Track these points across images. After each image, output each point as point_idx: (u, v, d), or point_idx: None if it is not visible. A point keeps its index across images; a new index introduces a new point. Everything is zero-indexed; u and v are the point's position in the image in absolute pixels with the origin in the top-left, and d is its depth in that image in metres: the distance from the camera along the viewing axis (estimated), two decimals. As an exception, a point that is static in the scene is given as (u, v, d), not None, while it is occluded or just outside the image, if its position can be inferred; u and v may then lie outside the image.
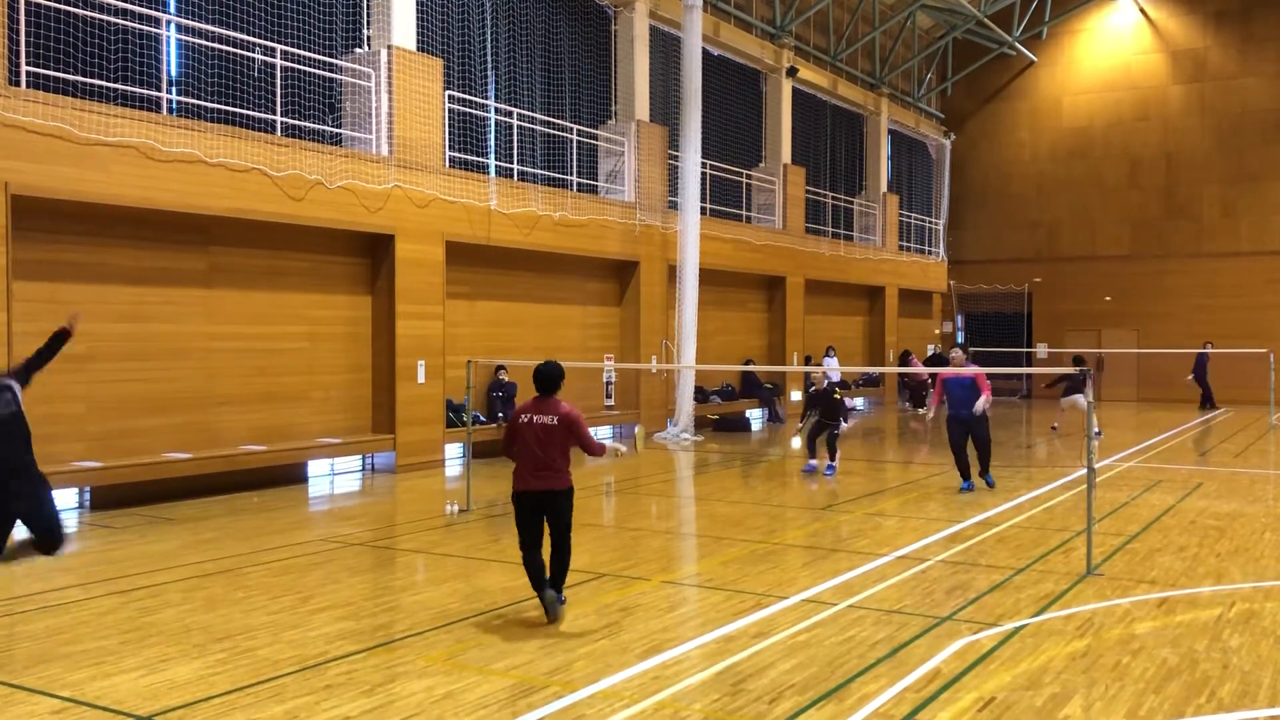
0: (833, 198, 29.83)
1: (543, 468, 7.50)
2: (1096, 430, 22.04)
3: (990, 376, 14.56)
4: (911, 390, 29.69)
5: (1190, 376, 28.70)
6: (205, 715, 5.67)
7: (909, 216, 34.30)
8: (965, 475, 13.86)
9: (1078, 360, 19.13)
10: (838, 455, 15.62)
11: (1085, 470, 9.45)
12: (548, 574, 7.57)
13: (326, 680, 6.22)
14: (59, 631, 7.22)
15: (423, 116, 16.01)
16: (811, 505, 12.90)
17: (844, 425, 15.50)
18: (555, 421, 7.51)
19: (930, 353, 33.39)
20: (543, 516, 7.60)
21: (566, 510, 7.59)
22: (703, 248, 21.14)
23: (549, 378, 7.69)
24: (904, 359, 30.47)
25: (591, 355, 20.46)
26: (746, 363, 24.69)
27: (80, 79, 12.20)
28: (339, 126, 15.55)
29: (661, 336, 21.64)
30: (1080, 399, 23.42)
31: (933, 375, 19.85)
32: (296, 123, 14.70)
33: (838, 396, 15.73)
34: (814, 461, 15.70)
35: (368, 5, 15.81)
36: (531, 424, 7.56)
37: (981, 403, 13.49)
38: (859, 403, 30.45)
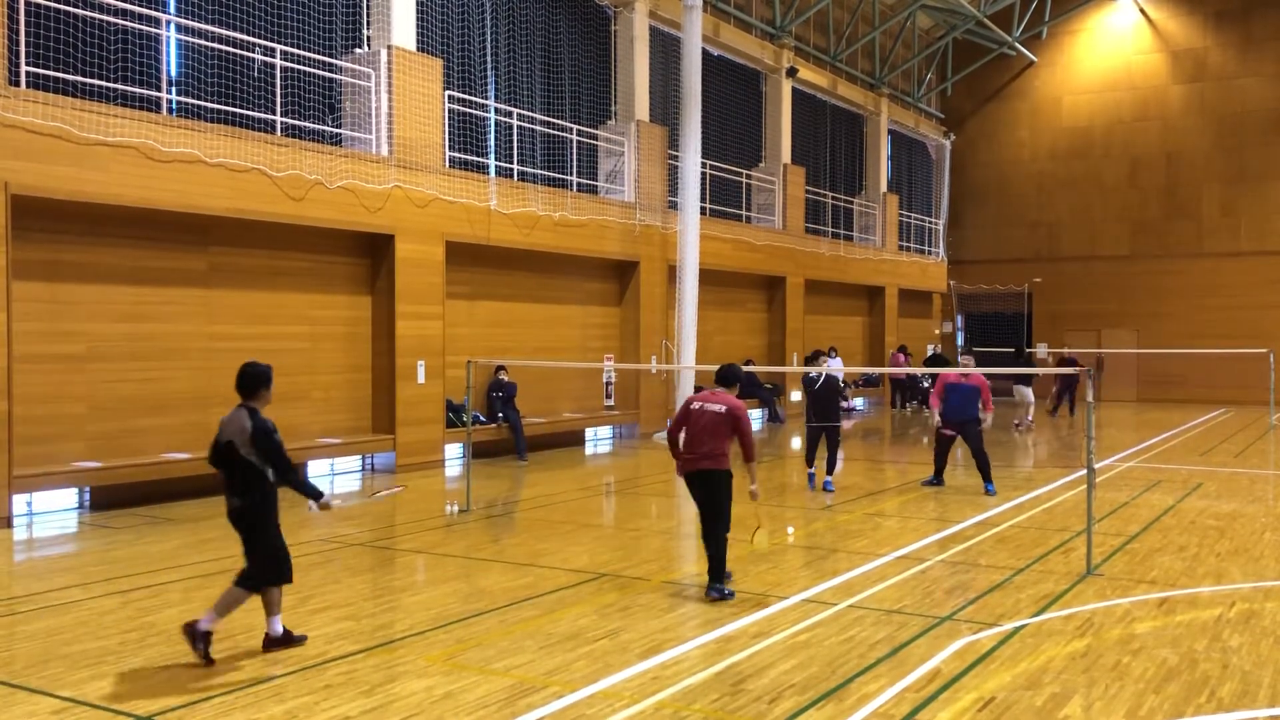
0: (833, 198, 29.83)
1: (703, 453, 8.32)
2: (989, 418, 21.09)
3: (992, 377, 14.59)
4: (903, 390, 29.64)
5: (1056, 388, 27.68)
6: (205, 715, 5.67)
7: (909, 216, 34.29)
8: (939, 473, 14.10)
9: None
10: (838, 466, 14.62)
11: (1085, 470, 9.45)
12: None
13: (326, 680, 6.22)
14: (59, 631, 7.22)
15: (422, 116, 16.00)
16: (811, 505, 12.89)
17: (845, 425, 15.23)
18: (723, 411, 8.32)
19: (930, 353, 33.34)
20: (703, 498, 8.42)
21: (714, 495, 8.38)
22: (703, 248, 21.13)
23: (721, 374, 8.61)
24: (896, 354, 30.36)
25: (591, 355, 20.45)
26: (746, 363, 24.67)
27: (80, 79, 12.19)
28: (339, 126, 15.54)
29: (661, 336, 21.63)
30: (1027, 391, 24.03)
31: (932, 376, 19.85)
32: (296, 123, 14.70)
33: (843, 389, 15.48)
34: (814, 470, 14.67)
35: (368, 5, 15.81)
36: (702, 411, 8.38)
37: (989, 418, 13.84)
38: (859, 403, 30.44)
